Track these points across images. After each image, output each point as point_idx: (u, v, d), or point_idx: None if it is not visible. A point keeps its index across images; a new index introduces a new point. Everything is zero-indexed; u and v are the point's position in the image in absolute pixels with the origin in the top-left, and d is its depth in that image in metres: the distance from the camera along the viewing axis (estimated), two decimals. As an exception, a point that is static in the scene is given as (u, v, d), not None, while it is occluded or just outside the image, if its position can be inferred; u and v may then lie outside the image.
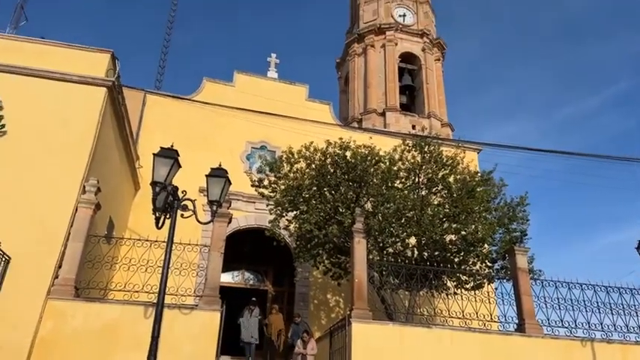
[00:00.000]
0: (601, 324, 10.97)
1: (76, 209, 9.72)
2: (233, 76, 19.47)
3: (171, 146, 7.65)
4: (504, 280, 12.24)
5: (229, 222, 10.93)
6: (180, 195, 7.70)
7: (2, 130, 9.85)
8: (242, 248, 16.22)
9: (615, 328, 11.02)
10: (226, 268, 13.01)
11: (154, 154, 7.42)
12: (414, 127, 21.09)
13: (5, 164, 9.66)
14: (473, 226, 12.34)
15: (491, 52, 71.83)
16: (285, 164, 13.41)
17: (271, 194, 13.53)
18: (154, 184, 7.31)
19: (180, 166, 7.60)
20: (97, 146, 10.62)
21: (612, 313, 11.12)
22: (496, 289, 12.24)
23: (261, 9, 73.23)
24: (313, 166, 13.04)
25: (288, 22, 73.41)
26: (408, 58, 23.58)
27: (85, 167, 10.12)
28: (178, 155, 7.51)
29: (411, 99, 23.51)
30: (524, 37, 68.45)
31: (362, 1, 25.17)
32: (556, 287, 11.14)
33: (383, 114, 21.50)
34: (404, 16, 24.50)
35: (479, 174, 13.97)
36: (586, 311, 11.01)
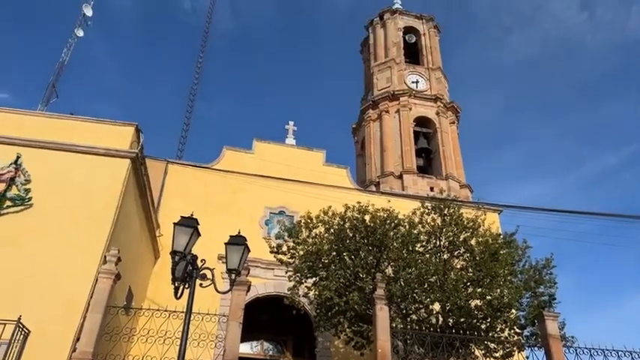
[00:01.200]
0: (642, 394, 10.22)
1: (97, 280, 9.73)
2: (252, 143, 19.98)
3: (191, 215, 7.74)
4: (535, 348, 11.63)
5: (248, 290, 10.79)
6: (200, 264, 7.70)
7: (29, 203, 10.15)
8: (261, 317, 15.87)
9: (657, 399, 10.24)
10: (245, 338, 12.70)
11: (174, 224, 7.51)
12: (432, 189, 21.06)
13: (29, 237, 9.85)
14: (498, 291, 11.93)
15: (508, 112, 72.78)
16: (303, 229, 13.36)
17: (290, 260, 13.39)
18: (173, 253, 7.35)
19: (199, 235, 7.65)
20: (119, 216, 10.81)
21: (653, 382, 10.38)
22: (527, 357, 11.65)
23: (279, 80, 76.34)
24: (332, 230, 12.96)
25: (305, 91, 76.08)
26: (422, 121, 24.01)
27: (107, 238, 10.25)
28: (198, 224, 7.58)
29: (428, 161, 23.67)
30: (540, 97, 69.47)
31: (375, 69, 26.09)
32: (591, 355, 10.52)
33: (400, 177, 21.60)
34: (417, 82, 25.22)
35: (501, 236, 13.70)
36: (625, 380, 10.31)
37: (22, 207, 10.10)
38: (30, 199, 10.17)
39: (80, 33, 23.60)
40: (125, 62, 70.85)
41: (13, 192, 10.17)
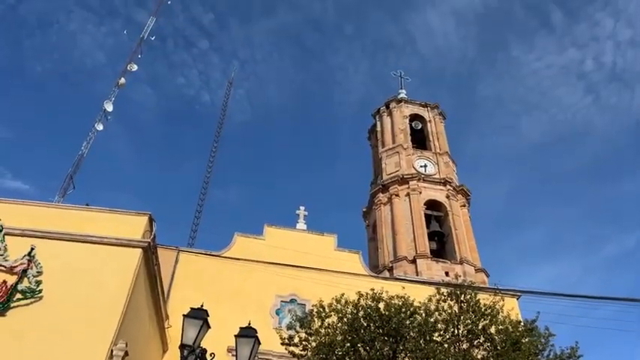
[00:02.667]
0: None
1: (102, 377, 9.36)
2: (263, 229, 20.00)
3: (201, 306, 7.63)
4: None
5: (259, 386, 10.27)
6: (209, 358, 7.46)
7: (39, 295, 10.06)
8: (272, 415, 14.92)
9: None
10: None
11: (183, 315, 7.39)
12: (447, 273, 20.60)
13: (37, 330, 9.64)
14: (524, 384, 11.21)
15: (522, 195, 72.88)
16: (315, 319, 12.95)
17: (302, 352, 12.84)
18: (182, 347, 7.15)
19: (209, 327, 7.49)
20: (129, 308, 10.62)
21: None
22: None
23: (290, 166, 78.19)
24: (345, 320, 12.53)
25: (316, 176, 77.55)
26: (433, 205, 24.05)
27: (115, 330, 9.99)
28: (208, 315, 7.45)
29: (441, 245, 23.38)
30: (553, 178, 69.86)
31: (384, 155, 26.68)
32: None
33: (414, 261, 21.23)
34: (425, 166, 25.62)
35: (522, 323, 13.11)
36: None
37: (32, 299, 10.01)
38: (40, 291, 10.10)
39: (100, 127, 24.73)
40: (142, 152, 73.56)
41: (25, 284, 10.14)
